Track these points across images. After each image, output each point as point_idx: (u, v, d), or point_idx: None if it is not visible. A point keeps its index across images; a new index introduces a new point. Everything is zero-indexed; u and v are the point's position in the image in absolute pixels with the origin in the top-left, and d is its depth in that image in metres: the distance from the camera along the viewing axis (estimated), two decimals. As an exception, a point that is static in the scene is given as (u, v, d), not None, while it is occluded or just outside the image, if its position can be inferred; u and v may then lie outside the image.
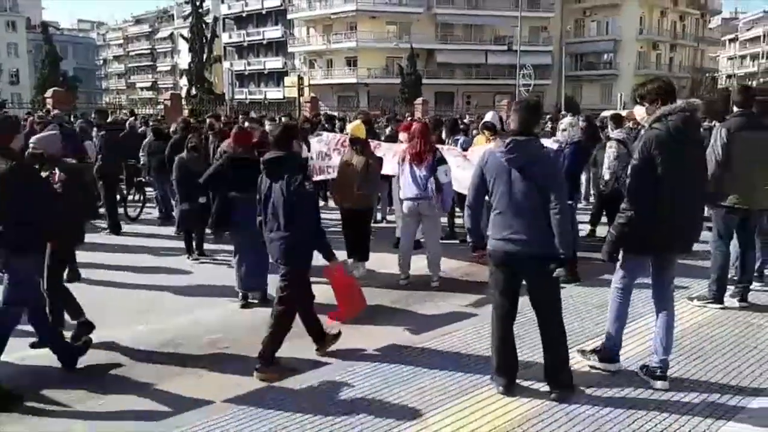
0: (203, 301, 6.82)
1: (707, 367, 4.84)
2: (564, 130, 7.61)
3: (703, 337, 5.46)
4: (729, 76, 78.73)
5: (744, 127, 5.91)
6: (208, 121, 12.70)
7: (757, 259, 6.81)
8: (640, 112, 4.63)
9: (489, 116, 9.50)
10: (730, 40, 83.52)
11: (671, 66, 59.73)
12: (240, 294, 6.63)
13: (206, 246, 8.73)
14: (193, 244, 8.62)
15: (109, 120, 14.61)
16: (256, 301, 6.64)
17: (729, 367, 4.83)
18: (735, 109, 6.13)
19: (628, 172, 4.40)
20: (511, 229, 4.14)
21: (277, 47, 63.14)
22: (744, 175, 5.91)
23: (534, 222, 4.11)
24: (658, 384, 4.46)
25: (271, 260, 5.40)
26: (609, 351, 4.70)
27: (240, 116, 15.84)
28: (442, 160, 7.18)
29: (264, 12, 64.05)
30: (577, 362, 4.71)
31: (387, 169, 7.96)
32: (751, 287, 6.49)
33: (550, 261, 4.10)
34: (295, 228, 4.85)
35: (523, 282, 4.37)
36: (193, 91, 48.05)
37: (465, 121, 18.71)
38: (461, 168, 7.95)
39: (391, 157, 8.21)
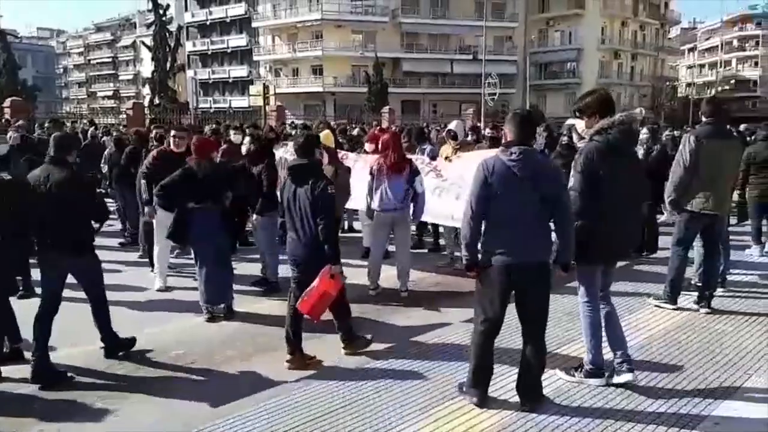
0: (168, 315, 6.68)
1: (674, 373, 4.90)
2: (531, 139, 7.66)
3: (669, 343, 5.53)
4: (689, 85, 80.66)
5: (712, 136, 6.09)
6: (154, 131, 12.47)
7: (719, 265, 6.96)
8: (580, 125, 4.72)
9: (453, 125, 9.51)
10: (689, 50, 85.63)
11: (632, 75, 61.03)
12: (204, 308, 6.51)
13: (172, 259, 8.56)
14: (157, 256, 8.43)
15: (66, 130, 14.28)
16: (221, 315, 6.52)
17: (695, 373, 4.89)
18: (704, 118, 6.32)
19: (571, 185, 4.44)
20: (516, 239, 4.08)
21: (242, 56, 62.79)
22: (711, 182, 6.07)
23: (537, 231, 4.13)
24: (629, 376, 4.55)
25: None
26: (595, 366, 4.68)
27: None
28: (416, 170, 7.20)
29: (228, 20, 63.69)
30: (547, 373, 4.70)
31: (359, 178, 7.87)
32: (715, 293, 6.63)
33: (548, 270, 4.17)
34: (319, 230, 5.11)
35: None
36: (157, 100, 47.39)
37: (430, 129, 18.77)
38: (438, 192, 7.85)
39: (361, 167, 8.16)
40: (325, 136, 7.50)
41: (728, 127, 6.52)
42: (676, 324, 6.04)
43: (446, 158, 8.49)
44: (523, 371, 4.35)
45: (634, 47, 60.64)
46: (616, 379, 4.60)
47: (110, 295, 6.46)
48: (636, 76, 61.56)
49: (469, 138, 10.53)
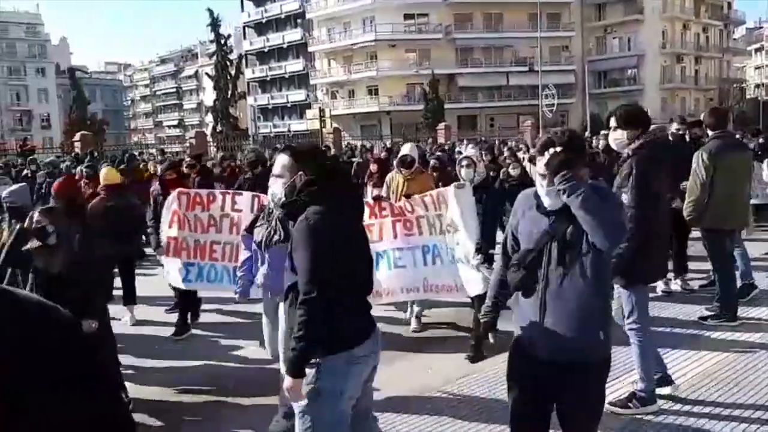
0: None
1: (743, 398, 4.58)
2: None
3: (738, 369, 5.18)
4: (757, 86, 77.47)
5: (722, 149, 5.93)
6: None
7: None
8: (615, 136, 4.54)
9: (406, 149, 7.46)
10: (756, 50, 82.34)
11: (697, 78, 59.14)
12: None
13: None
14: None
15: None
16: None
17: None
18: (710, 132, 6.21)
19: (629, 203, 4.12)
20: None
21: (299, 80, 63.94)
22: (726, 196, 5.91)
23: None
24: (668, 389, 4.50)
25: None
26: (647, 392, 4.39)
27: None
28: None
29: (285, 46, 65.05)
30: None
31: None
32: None
33: None
34: None
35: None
36: (219, 128, 48.78)
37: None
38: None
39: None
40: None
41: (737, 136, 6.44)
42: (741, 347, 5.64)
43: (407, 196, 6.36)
44: None
45: (697, 50, 58.73)
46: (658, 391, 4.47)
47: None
48: (701, 80, 59.57)
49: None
